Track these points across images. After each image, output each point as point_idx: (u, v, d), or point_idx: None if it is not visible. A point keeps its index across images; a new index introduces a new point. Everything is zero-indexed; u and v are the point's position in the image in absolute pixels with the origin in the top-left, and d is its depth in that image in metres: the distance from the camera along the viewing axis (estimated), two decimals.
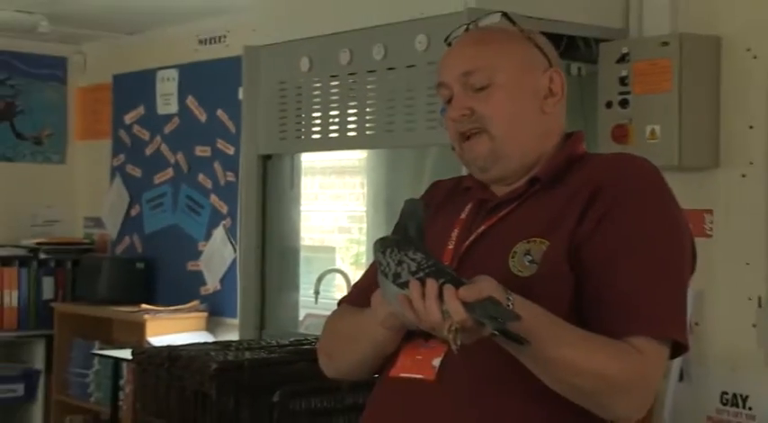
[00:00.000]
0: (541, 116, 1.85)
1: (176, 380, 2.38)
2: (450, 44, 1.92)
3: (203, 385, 2.31)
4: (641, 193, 1.76)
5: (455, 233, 1.84)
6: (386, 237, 1.69)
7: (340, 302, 2.02)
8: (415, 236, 1.66)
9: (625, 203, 1.74)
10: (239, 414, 2.34)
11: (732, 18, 3.29)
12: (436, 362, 1.73)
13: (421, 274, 1.58)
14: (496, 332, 1.54)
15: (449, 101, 1.87)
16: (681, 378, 3.30)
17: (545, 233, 1.74)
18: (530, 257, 1.71)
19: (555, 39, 3.32)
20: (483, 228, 1.81)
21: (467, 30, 1.93)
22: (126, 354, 4.14)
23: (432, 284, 1.56)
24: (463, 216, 1.86)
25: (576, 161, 1.84)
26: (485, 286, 1.55)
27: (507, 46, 1.86)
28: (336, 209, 5.18)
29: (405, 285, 1.59)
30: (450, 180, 2.01)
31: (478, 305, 1.52)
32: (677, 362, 3.27)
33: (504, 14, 1.92)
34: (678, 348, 1.74)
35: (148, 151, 5.77)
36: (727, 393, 3.26)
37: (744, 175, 3.26)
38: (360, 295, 1.93)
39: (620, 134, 3.29)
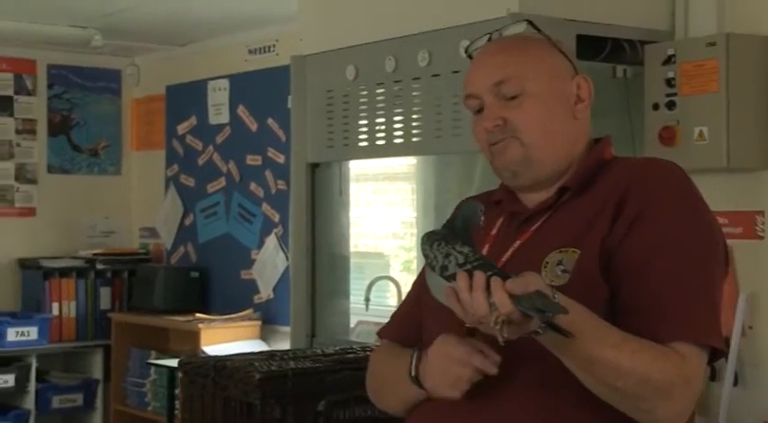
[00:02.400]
0: (573, 122, 1.85)
1: (221, 390, 2.39)
2: (470, 56, 1.92)
3: (248, 395, 2.32)
4: (670, 198, 1.75)
5: (486, 249, 1.84)
6: (433, 230, 1.70)
7: (379, 333, 2.05)
8: (462, 232, 1.67)
9: (654, 208, 1.73)
10: None
11: None
12: None
13: (468, 267, 1.59)
14: (543, 325, 1.54)
15: (478, 111, 1.87)
16: (735, 383, 3.26)
17: (576, 242, 1.74)
18: (562, 267, 1.70)
19: (600, 41, 3.32)
20: (518, 243, 1.81)
21: (489, 40, 1.93)
22: None
23: (479, 276, 1.56)
24: (494, 232, 1.87)
25: (604, 166, 1.84)
26: (532, 280, 1.55)
27: (536, 54, 1.86)
28: (389, 215, 5.19)
29: (452, 278, 1.60)
30: (479, 196, 2.00)
31: (525, 298, 1.52)
32: (731, 366, 3.23)
33: (530, 23, 1.91)
34: (715, 354, 1.72)
35: (201, 161, 5.83)
36: None
37: None
38: (399, 328, 1.98)
39: (667, 136, 3.26)
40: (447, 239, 1.65)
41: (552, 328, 1.53)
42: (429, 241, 1.66)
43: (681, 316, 1.67)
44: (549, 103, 1.82)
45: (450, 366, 1.72)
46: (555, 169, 1.84)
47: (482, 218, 1.71)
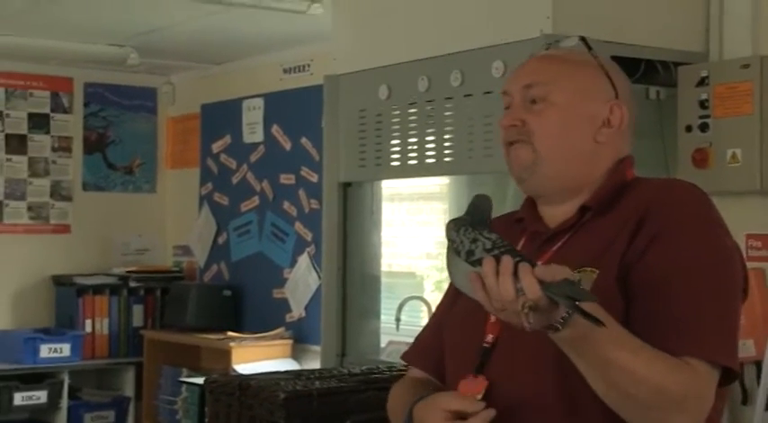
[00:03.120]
0: (592, 144, 1.85)
1: (247, 409, 2.39)
2: None
3: (273, 414, 2.32)
4: (690, 218, 1.75)
5: None
6: (460, 217, 1.70)
7: (403, 357, 2.06)
8: (485, 221, 1.67)
9: (675, 227, 1.73)
10: None
11: None
12: (478, 397, 1.74)
13: (496, 252, 1.58)
14: (568, 313, 1.52)
15: (507, 108, 1.90)
16: (767, 407, 3.21)
17: (595, 262, 1.74)
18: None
19: (634, 63, 3.31)
20: (540, 264, 1.80)
21: (547, 48, 1.97)
22: None
23: (507, 261, 1.55)
24: None
25: (625, 187, 1.84)
26: (560, 269, 1.55)
27: (572, 68, 1.87)
28: (422, 235, 5.18)
29: (478, 263, 1.58)
30: (501, 216, 2.01)
31: (554, 284, 1.51)
32: (763, 389, 3.18)
33: (582, 39, 1.92)
34: (728, 377, 1.71)
35: (235, 179, 5.85)
36: None
37: None
38: (421, 354, 2.00)
39: (700, 158, 3.24)
40: (474, 225, 1.64)
41: (582, 315, 1.50)
42: (456, 226, 1.65)
43: (693, 333, 1.66)
44: (570, 118, 1.84)
45: None
46: (564, 184, 1.85)
47: (491, 213, 1.71)
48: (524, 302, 1.52)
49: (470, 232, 1.63)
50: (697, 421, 1.68)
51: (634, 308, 1.70)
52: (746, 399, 3.25)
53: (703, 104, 3.24)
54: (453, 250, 1.64)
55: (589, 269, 1.72)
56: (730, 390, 1.88)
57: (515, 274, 1.54)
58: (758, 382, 3.19)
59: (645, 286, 1.70)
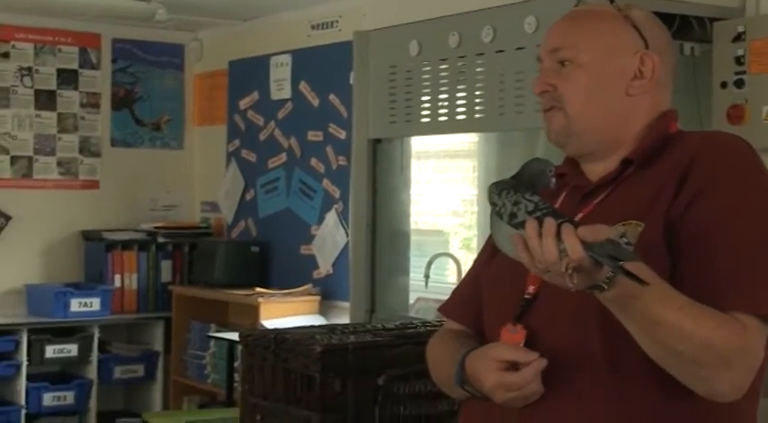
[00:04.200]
0: (624, 98, 1.83)
1: (282, 362, 2.40)
2: None
3: (308, 368, 2.33)
4: (736, 170, 1.73)
5: None
6: (502, 180, 1.70)
7: (441, 309, 2.07)
8: (529, 184, 1.67)
9: (719, 180, 1.71)
10: (344, 396, 2.36)
11: None
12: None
13: (538, 214, 1.58)
14: (612, 274, 1.52)
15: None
16: None
17: (640, 215, 1.72)
18: (625, 240, 1.68)
19: (668, 18, 3.27)
20: (580, 216, 1.79)
21: (577, 5, 1.95)
22: None
23: (550, 222, 1.55)
24: (557, 205, 1.85)
25: (669, 140, 1.82)
26: (603, 229, 1.54)
27: (597, 25, 1.85)
28: (450, 193, 5.18)
29: (520, 225, 1.59)
30: None
31: (597, 245, 1.51)
32: None
33: None
34: None
35: (262, 136, 5.85)
36: None
37: None
38: (460, 307, 2.00)
39: (735, 115, 3.22)
40: (516, 188, 1.64)
41: (626, 275, 1.50)
42: (497, 190, 1.66)
43: (742, 287, 1.65)
44: (599, 77, 1.82)
45: (493, 392, 1.73)
46: (603, 142, 1.84)
47: (552, 180, 1.71)
48: (568, 263, 1.52)
49: (512, 195, 1.63)
50: (746, 377, 1.67)
51: (680, 263, 1.69)
52: None
53: (739, 60, 3.21)
54: (496, 213, 1.64)
55: (634, 222, 1.72)
56: None
57: (558, 235, 1.54)
58: None
59: (691, 241, 1.69)
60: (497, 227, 1.65)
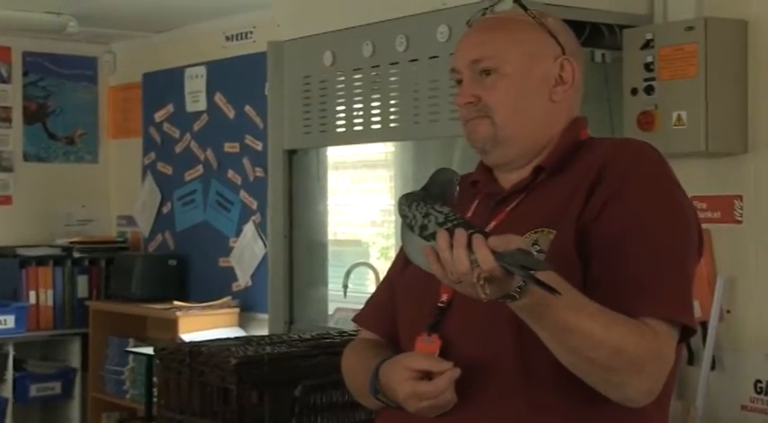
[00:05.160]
0: (549, 104, 1.85)
1: (198, 375, 2.37)
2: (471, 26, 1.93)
3: (224, 380, 2.31)
4: (645, 177, 1.75)
5: None
6: (411, 192, 1.70)
7: (355, 319, 2.06)
8: (439, 195, 1.67)
9: (629, 187, 1.73)
10: (261, 408, 2.34)
11: (758, 0, 3.24)
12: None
13: (449, 225, 1.58)
14: (524, 283, 1.52)
15: (459, 83, 1.89)
16: (713, 367, 3.26)
17: (552, 222, 1.74)
18: (537, 247, 1.70)
19: (578, 26, 3.31)
20: (494, 223, 1.80)
21: (483, 14, 1.94)
22: None
23: (461, 234, 1.55)
24: (470, 214, 1.86)
25: (580, 147, 1.84)
26: (514, 238, 1.54)
27: (516, 34, 1.85)
28: (368, 203, 5.18)
29: (431, 237, 1.58)
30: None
31: (508, 255, 1.51)
32: (709, 350, 3.23)
33: (516, 1, 1.91)
34: (686, 333, 1.72)
35: (178, 149, 5.80)
36: (761, 382, 3.21)
37: None
38: (373, 316, 2.00)
39: (645, 121, 3.26)
40: (426, 200, 1.64)
41: (537, 284, 1.51)
42: (407, 202, 1.65)
43: (652, 292, 1.67)
44: (523, 85, 1.83)
45: (407, 401, 1.73)
46: (526, 149, 1.85)
47: (456, 189, 1.71)
48: (479, 274, 1.52)
49: (422, 207, 1.62)
50: (657, 382, 1.68)
51: (592, 269, 1.70)
52: (692, 359, 3.30)
53: (648, 67, 3.26)
54: (407, 225, 1.64)
55: (546, 229, 1.73)
56: (682, 349, 1.89)
57: (469, 246, 1.53)
58: (704, 343, 3.24)
59: (601, 247, 1.70)
60: (409, 239, 1.64)
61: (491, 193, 1.88)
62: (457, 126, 3.43)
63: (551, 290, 1.51)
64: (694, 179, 3.24)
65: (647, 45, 3.27)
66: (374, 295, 2.06)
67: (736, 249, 3.28)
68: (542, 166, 1.83)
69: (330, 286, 4.30)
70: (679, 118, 3.20)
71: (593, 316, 1.61)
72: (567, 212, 1.73)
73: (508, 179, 1.87)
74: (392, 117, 3.63)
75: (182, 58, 5.76)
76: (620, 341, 1.61)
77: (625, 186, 1.73)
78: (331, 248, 4.50)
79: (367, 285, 4.83)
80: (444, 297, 1.78)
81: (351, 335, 2.53)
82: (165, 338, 5.14)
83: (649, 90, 3.26)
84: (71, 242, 5.94)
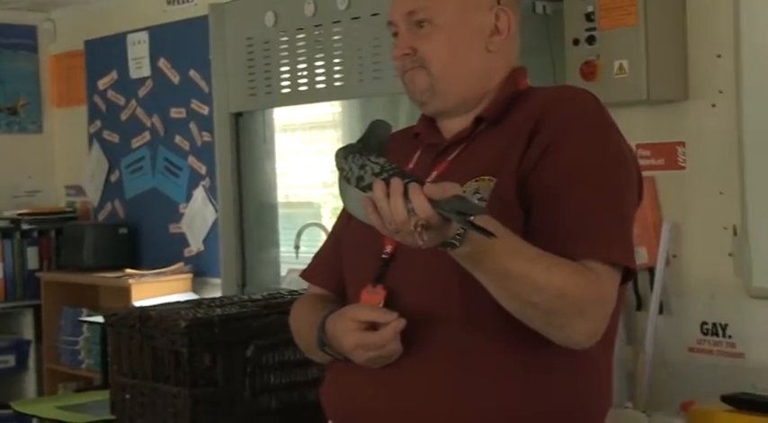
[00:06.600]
0: (485, 54, 1.86)
1: (148, 340, 2.37)
2: None
3: (175, 343, 2.31)
4: (584, 123, 1.77)
5: None
6: (348, 144, 1.70)
7: (303, 275, 2.09)
8: (376, 146, 1.67)
9: (568, 133, 1.75)
10: (213, 370, 2.35)
11: None
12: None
13: (385, 175, 1.58)
14: (462, 229, 1.53)
15: (396, 35, 1.89)
16: (661, 311, 3.31)
17: (492, 170, 1.75)
18: (479, 195, 1.71)
19: None
20: (435, 174, 1.81)
21: None
22: None
23: (397, 183, 1.56)
24: (412, 165, 1.88)
25: (519, 96, 1.86)
26: (450, 186, 1.55)
27: None
28: (318, 164, 5.17)
29: (368, 188, 1.59)
30: (400, 131, 2.02)
31: (444, 201, 1.52)
32: (656, 295, 3.28)
33: None
34: (627, 275, 1.74)
35: (124, 116, 5.74)
36: (707, 323, 3.27)
37: (714, 105, 3.24)
38: (320, 271, 2.03)
39: (588, 71, 3.27)
40: (362, 152, 1.64)
41: (474, 228, 1.51)
42: (344, 154, 1.66)
43: (593, 235, 1.69)
44: (458, 36, 1.84)
45: (353, 352, 1.75)
46: (464, 99, 1.86)
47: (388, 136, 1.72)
48: (417, 222, 1.53)
49: (358, 159, 1.63)
50: (600, 324, 1.71)
51: (532, 216, 1.72)
52: (640, 305, 3.35)
53: (589, 17, 3.27)
54: (344, 178, 1.65)
55: (487, 178, 1.74)
56: (627, 292, 1.92)
57: (406, 194, 1.54)
58: (651, 288, 3.29)
59: (542, 193, 1.72)
60: (346, 191, 1.65)
61: (432, 144, 1.89)
62: (401, 83, 3.44)
63: (488, 233, 1.52)
64: (638, 127, 3.28)
65: None
66: (321, 250, 2.07)
67: (681, 195, 3.32)
68: (482, 117, 1.85)
69: (282, 248, 4.31)
70: (621, 67, 3.22)
71: (533, 260, 1.63)
72: (508, 161, 1.75)
73: (449, 130, 1.88)
74: (336, 76, 3.63)
75: (123, 24, 5.69)
76: (561, 284, 1.63)
77: (563, 133, 1.75)
78: (282, 211, 4.50)
79: (318, 246, 4.82)
80: (388, 249, 1.80)
81: (302, 294, 2.54)
82: (119, 307, 5.10)
83: (591, 40, 3.28)
84: (19, 214, 5.88)
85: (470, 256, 1.60)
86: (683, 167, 3.31)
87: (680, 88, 3.27)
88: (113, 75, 5.79)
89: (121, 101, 5.75)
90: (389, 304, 1.76)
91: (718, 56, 3.22)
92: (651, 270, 3.29)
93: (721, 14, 3.19)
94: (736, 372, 3.17)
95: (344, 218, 1.97)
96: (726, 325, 3.23)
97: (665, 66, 3.22)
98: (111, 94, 5.82)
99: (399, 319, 1.71)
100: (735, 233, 3.19)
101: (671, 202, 3.33)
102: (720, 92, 3.22)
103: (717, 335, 3.24)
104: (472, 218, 1.51)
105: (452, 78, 1.85)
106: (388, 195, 1.55)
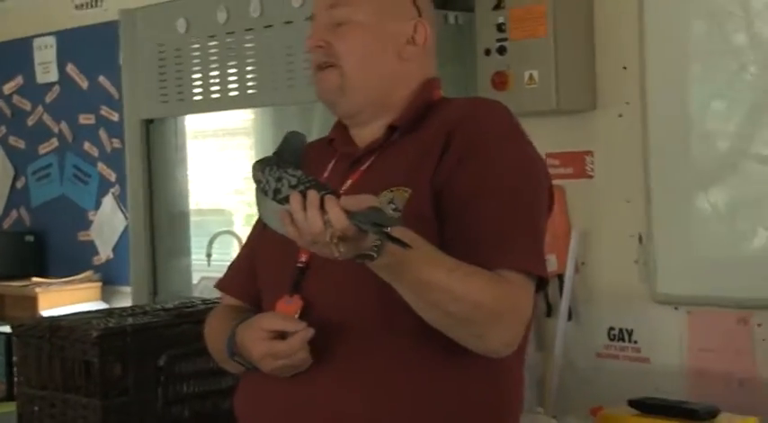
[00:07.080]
0: (398, 61, 1.88)
1: (58, 350, 2.34)
2: None
3: (86, 353, 2.28)
4: (496, 135, 1.79)
5: None
6: (264, 157, 1.70)
7: (217, 285, 2.07)
8: (292, 159, 1.68)
9: (481, 145, 1.77)
10: (125, 380, 2.32)
11: None
12: (295, 317, 1.76)
13: (302, 187, 1.58)
14: (378, 241, 1.54)
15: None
16: (570, 317, 3.37)
17: (406, 181, 1.76)
18: (393, 205, 1.72)
19: None
20: (349, 182, 1.82)
21: None
22: None
23: (313, 195, 1.56)
24: (326, 174, 1.88)
25: (432, 106, 1.87)
26: (366, 198, 1.56)
27: None
28: (230, 171, 5.15)
29: (285, 200, 1.59)
30: (317, 140, 2.02)
31: (361, 213, 1.52)
32: (565, 302, 3.33)
33: None
34: (541, 283, 1.77)
35: (30, 122, 5.65)
36: (613, 329, 3.33)
37: (620, 115, 3.31)
38: (235, 281, 2.02)
39: (499, 81, 3.32)
40: (279, 164, 1.64)
41: (390, 240, 1.52)
42: (260, 167, 1.65)
43: (508, 245, 1.71)
44: (373, 37, 1.86)
45: (261, 361, 1.75)
46: (372, 101, 1.87)
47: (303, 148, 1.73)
48: (333, 233, 1.53)
49: (275, 171, 1.63)
50: (516, 332, 1.73)
51: (447, 226, 1.73)
52: (550, 311, 3.40)
53: (500, 28, 3.32)
54: (261, 191, 1.64)
55: (402, 188, 1.75)
56: (538, 300, 1.95)
57: (322, 206, 1.54)
58: (561, 295, 3.34)
59: (456, 205, 1.73)
60: (263, 203, 1.65)
61: (346, 154, 1.90)
62: (313, 91, 3.45)
63: (404, 244, 1.53)
64: (547, 137, 3.32)
65: (499, 6, 3.33)
66: (235, 261, 2.06)
67: (589, 203, 3.38)
68: (395, 125, 1.86)
69: (194, 256, 4.28)
70: (531, 77, 3.27)
71: (450, 270, 1.64)
72: (422, 171, 1.76)
73: (362, 139, 1.90)
74: (249, 84, 3.63)
75: (29, 27, 5.60)
76: (478, 294, 1.65)
77: (476, 145, 1.77)
78: (194, 218, 4.48)
79: (231, 254, 4.81)
80: (303, 258, 1.80)
81: (214, 303, 2.53)
82: (25, 316, 5.03)
83: (502, 50, 3.32)
84: None
85: (388, 267, 1.61)
86: (592, 176, 3.38)
87: (588, 98, 3.34)
88: (19, 79, 5.70)
89: (28, 106, 5.66)
90: (306, 314, 1.76)
91: (624, 68, 3.30)
92: (560, 277, 3.34)
93: (627, 27, 3.27)
94: (642, 376, 3.24)
95: (259, 228, 1.97)
96: (631, 330, 3.30)
97: (573, 76, 3.28)
98: (16, 99, 5.73)
99: (308, 328, 1.71)
100: (640, 241, 3.26)
101: (580, 210, 3.39)
102: (627, 103, 3.29)
103: (623, 340, 3.31)
104: (389, 229, 1.52)
105: (362, 78, 1.85)
106: (304, 208, 1.56)
